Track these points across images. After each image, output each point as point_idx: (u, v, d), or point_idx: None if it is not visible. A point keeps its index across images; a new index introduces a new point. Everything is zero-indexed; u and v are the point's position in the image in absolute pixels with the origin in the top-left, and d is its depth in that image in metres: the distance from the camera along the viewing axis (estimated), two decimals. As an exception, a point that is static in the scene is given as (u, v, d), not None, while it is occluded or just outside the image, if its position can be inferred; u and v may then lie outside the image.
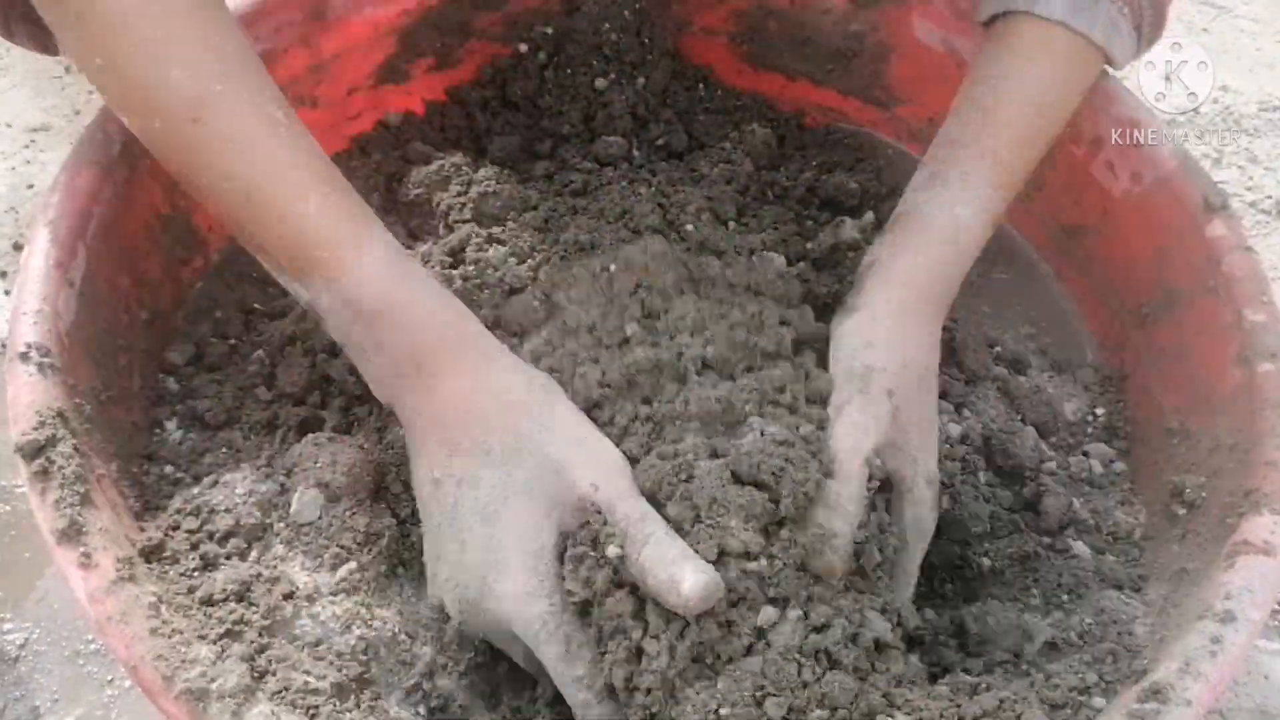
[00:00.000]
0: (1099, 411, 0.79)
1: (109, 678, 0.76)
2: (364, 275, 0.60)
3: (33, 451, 0.57)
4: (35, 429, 0.57)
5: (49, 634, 0.78)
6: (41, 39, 0.67)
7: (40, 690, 0.75)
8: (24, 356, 0.60)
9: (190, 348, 0.74)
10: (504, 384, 0.61)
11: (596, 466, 0.59)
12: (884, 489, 0.65)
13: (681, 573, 0.54)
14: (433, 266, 0.70)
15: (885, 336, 0.67)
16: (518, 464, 0.58)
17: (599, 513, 0.57)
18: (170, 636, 0.53)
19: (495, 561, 0.57)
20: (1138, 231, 0.80)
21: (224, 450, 0.68)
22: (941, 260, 0.70)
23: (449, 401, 0.60)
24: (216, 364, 0.74)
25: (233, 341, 0.76)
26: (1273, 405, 0.66)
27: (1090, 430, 0.78)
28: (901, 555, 0.65)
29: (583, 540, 0.56)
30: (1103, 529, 0.71)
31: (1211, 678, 0.55)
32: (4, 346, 0.63)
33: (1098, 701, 0.58)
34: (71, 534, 0.55)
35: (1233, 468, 0.66)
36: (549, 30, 0.91)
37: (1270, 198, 1.14)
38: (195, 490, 0.64)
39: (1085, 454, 0.76)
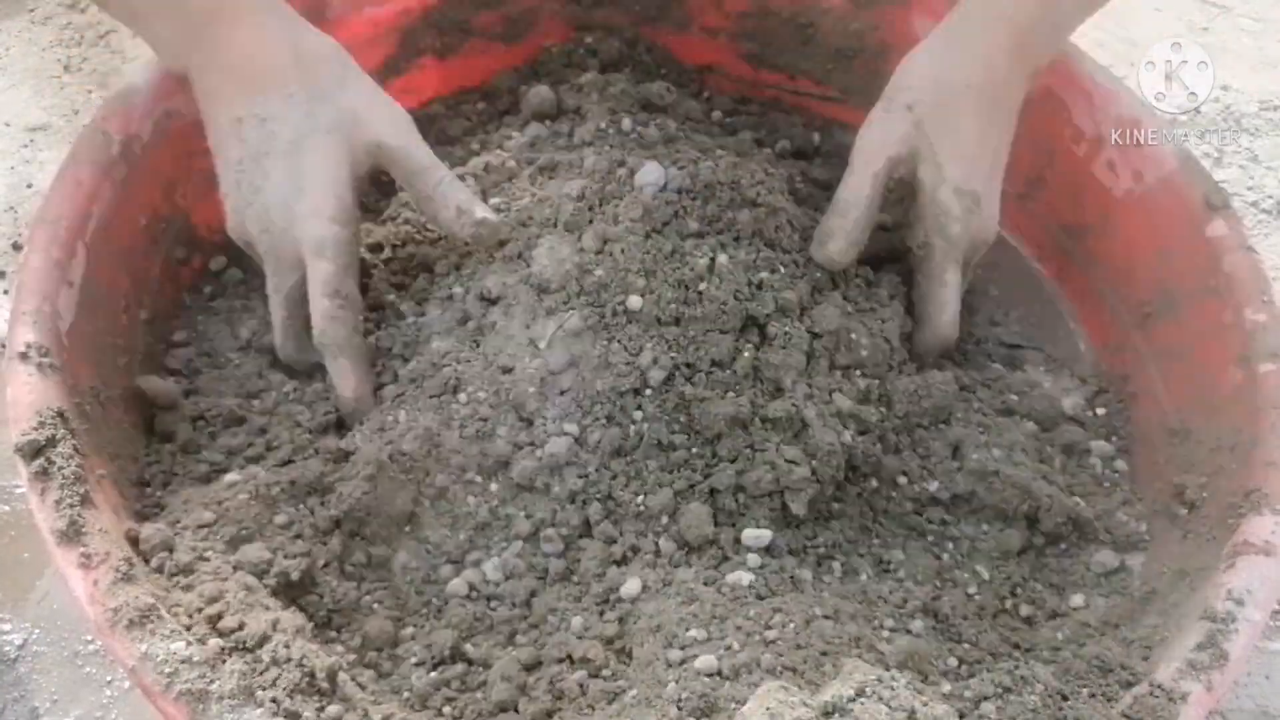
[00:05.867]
0: (1100, 410, 0.79)
1: (108, 679, 0.76)
2: None
3: (32, 452, 0.57)
4: (35, 429, 0.57)
5: (48, 635, 0.78)
6: None
7: (39, 691, 0.75)
8: (24, 356, 0.60)
9: (192, 349, 0.74)
10: (299, 39, 0.67)
11: (392, 119, 0.68)
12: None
13: (473, 206, 0.68)
14: None
15: (920, 57, 0.73)
16: (319, 108, 0.65)
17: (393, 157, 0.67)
18: (170, 637, 0.53)
19: (299, 189, 0.65)
20: (1139, 231, 0.80)
21: (225, 450, 0.68)
22: None
23: (244, 50, 0.66)
24: (219, 364, 0.74)
25: (236, 343, 0.75)
26: (1274, 405, 0.66)
27: (1090, 426, 0.78)
28: (925, 261, 0.73)
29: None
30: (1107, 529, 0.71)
31: (1213, 679, 0.55)
32: (4, 346, 0.62)
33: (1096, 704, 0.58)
34: (71, 534, 0.54)
35: (1234, 468, 0.66)
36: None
37: (1271, 197, 1.14)
38: (195, 490, 0.64)
39: (1086, 451, 0.76)
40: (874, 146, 0.72)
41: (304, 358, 0.71)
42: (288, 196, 0.66)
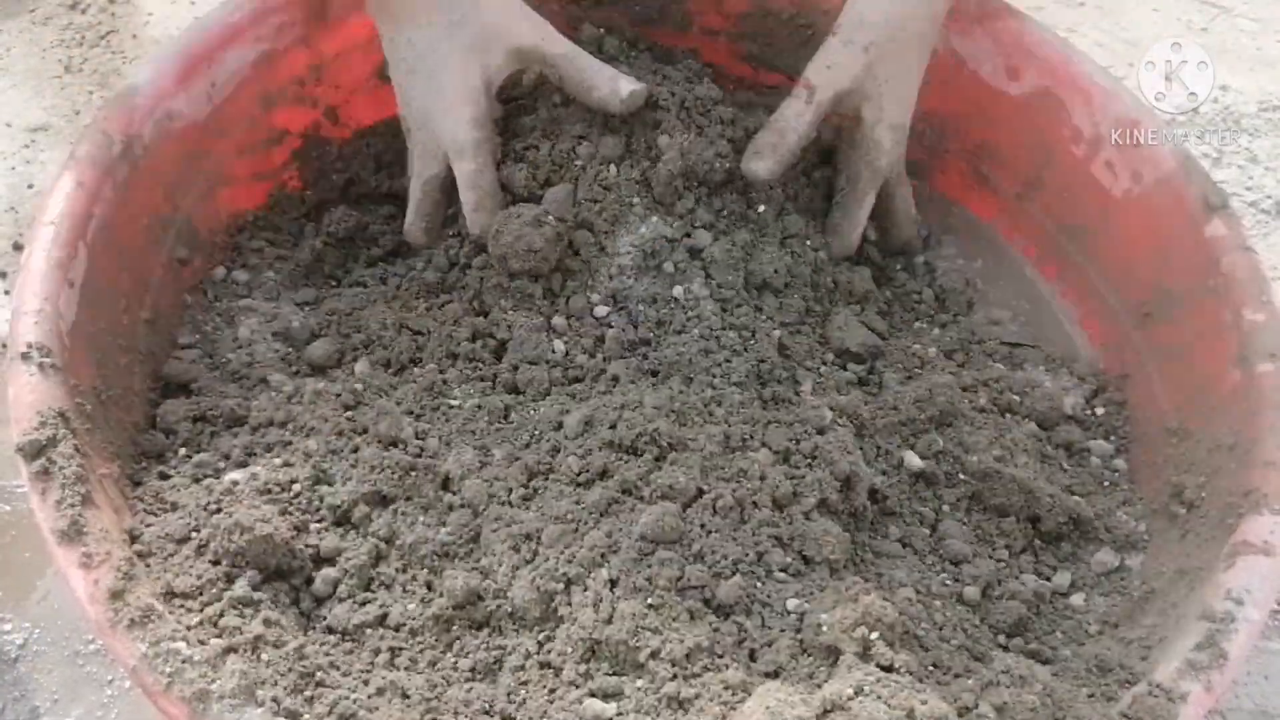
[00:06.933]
0: (1099, 410, 0.79)
1: (109, 678, 0.76)
2: None
3: (34, 451, 0.57)
4: (36, 429, 0.57)
5: (49, 634, 0.78)
6: None
7: (40, 690, 0.75)
8: (25, 356, 0.60)
9: (193, 350, 0.74)
10: None
11: (530, 24, 0.76)
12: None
13: (619, 82, 0.75)
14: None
15: None
16: (458, 33, 0.74)
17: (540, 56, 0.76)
18: (170, 637, 0.53)
19: (439, 101, 0.75)
20: (1137, 231, 0.80)
21: (225, 450, 0.68)
22: None
23: None
24: (219, 364, 0.74)
25: (236, 343, 0.76)
26: (1272, 405, 0.66)
27: (1089, 426, 0.78)
28: (852, 185, 0.81)
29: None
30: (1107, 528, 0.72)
31: (1212, 678, 0.55)
32: (5, 346, 0.63)
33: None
34: (72, 534, 0.55)
35: (1232, 467, 0.66)
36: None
37: (1270, 197, 1.14)
38: (196, 490, 0.64)
39: (1086, 450, 0.77)
40: (826, 80, 0.78)
41: (427, 240, 0.81)
42: (430, 106, 0.76)
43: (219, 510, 0.62)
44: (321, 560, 0.63)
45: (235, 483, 0.64)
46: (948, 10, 0.81)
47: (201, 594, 0.58)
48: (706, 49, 0.95)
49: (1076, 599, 0.68)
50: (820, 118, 0.78)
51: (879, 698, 0.53)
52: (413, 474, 0.65)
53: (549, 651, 0.59)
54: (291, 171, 0.86)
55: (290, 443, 0.68)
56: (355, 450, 0.67)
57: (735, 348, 0.73)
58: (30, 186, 1.05)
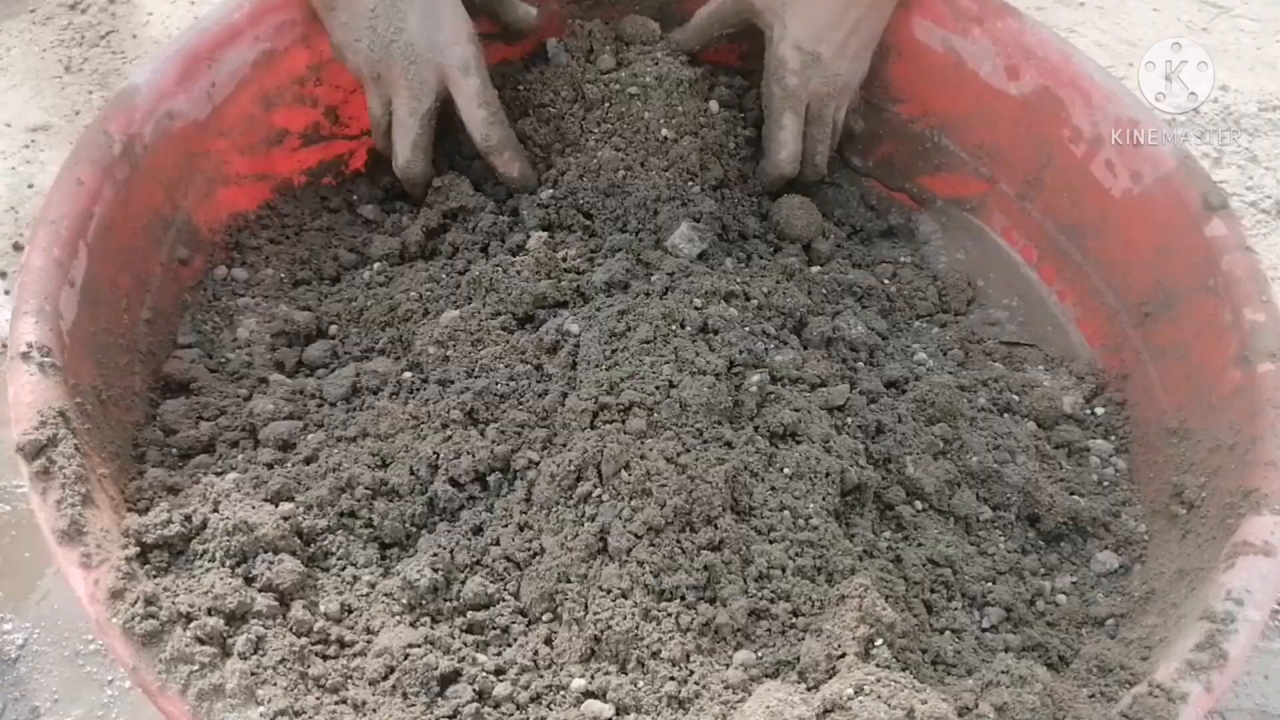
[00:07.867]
0: (1099, 410, 0.79)
1: (109, 678, 0.76)
2: None
3: (34, 451, 0.57)
4: (36, 429, 0.57)
5: (49, 634, 0.78)
6: None
7: (40, 690, 0.75)
8: (25, 356, 0.60)
9: (193, 350, 0.74)
10: None
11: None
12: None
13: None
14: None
15: None
16: None
17: None
18: (170, 636, 0.53)
19: (437, 23, 0.80)
20: (1137, 231, 0.80)
21: (225, 450, 0.68)
22: None
23: None
24: (219, 364, 0.74)
25: (236, 343, 0.76)
26: (1272, 405, 0.66)
27: (1089, 425, 0.78)
28: (768, 106, 0.86)
29: None
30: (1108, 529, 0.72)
31: (1212, 679, 0.55)
32: (4, 346, 0.63)
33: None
34: (73, 534, 0.55)
35: (1233, 468, 0.66)
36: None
37: (1270, 197, 1.14)
38: (197, 489, 0.64)
39: (1085, 450, 0.77)
40: None
41: (427, 175, 0.84)
42: (429, 29, 0.79)
43: (218, 510, 0.62)
44: (322, 560, 0.63)
45: (236, 483, 0.64)
46: None
47: (202, 593, 0.58)
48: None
49: (1076, 599, 0.68)
50: (725, 9, 0.88)
51: (879, 697, 0.53)
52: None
53: (549, 651, 0.59)
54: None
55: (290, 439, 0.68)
56: (356, 449, 0.67)
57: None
58: (30, 186, 1.05)
